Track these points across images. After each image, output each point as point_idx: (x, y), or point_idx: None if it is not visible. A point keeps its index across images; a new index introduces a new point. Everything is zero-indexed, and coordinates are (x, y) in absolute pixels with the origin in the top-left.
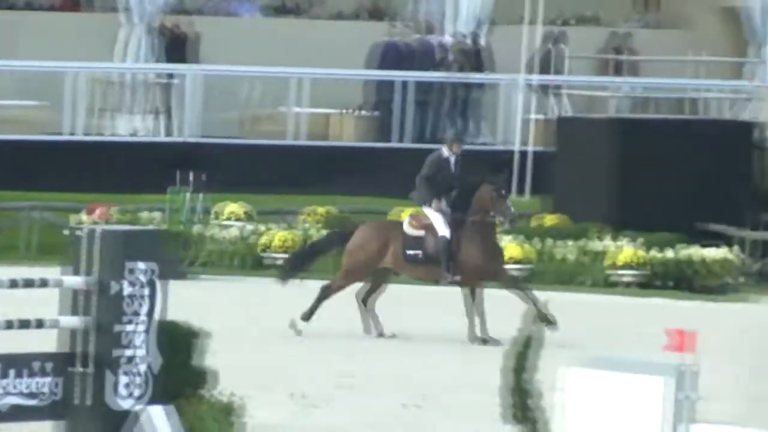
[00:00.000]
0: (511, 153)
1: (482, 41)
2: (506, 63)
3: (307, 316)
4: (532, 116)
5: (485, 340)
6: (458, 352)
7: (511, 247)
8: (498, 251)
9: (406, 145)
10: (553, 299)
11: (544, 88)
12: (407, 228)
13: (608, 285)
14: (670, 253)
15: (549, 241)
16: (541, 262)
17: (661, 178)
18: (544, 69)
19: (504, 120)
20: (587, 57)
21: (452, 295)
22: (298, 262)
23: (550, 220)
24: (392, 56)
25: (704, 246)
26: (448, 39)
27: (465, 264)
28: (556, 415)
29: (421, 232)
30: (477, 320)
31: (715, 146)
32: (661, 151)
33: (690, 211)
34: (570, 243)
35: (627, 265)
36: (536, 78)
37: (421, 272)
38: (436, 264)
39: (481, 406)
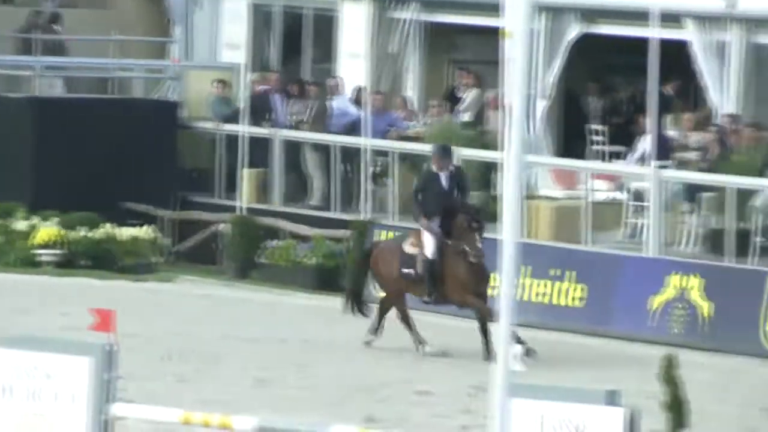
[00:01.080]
0: None
1: None
2: None
3: (374, 330)
4: None
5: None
6: None
7: None
8: (483, 275)
9: None
10: None
11: None
12: (406, 246)
13: (33, 265)
14: (89, 233)
15: None
16: None
17: (83, 158)
18: None
19: None
20: (9, 35)
21: None
22: (357, 298)
23: None
24: None
25: (126, 225)
26: None
27: (448, 284)
28: None
29: (415, 251)
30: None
31: (140, 126)
32: (83, 132)
33: (114, 191)
34: None
35: (46, 245)
36: None
37: (416, 290)
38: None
39: None
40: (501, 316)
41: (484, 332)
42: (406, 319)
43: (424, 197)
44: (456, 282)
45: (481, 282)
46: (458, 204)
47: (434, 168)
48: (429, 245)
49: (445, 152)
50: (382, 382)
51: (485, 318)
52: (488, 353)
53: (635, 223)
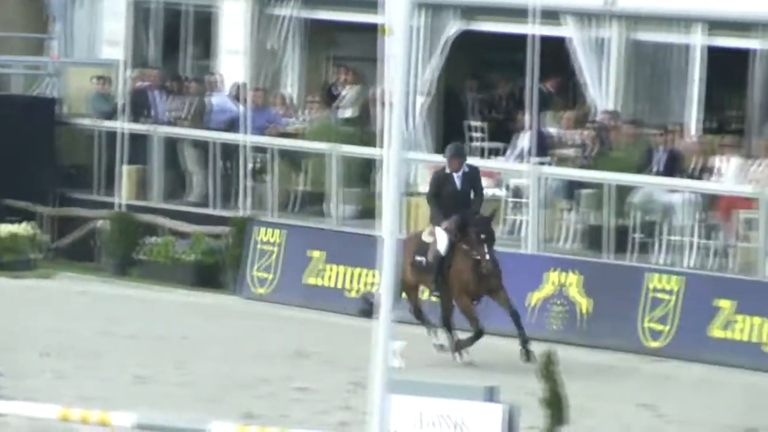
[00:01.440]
0: None
1: None
2: None
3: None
4: None
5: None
6: None
7: None
8: (494, 271)
9: None
10: None
11: None
12: (424, 234)
13: None
14: None
15: None
16: None
17: None
18: None
19: None
20: None
21: None
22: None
23: None
24: None
25: (4, 222)
26: None
27: (453, 284)
28: None
29: (431, 240)
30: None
31: (18, 122)
32: None
33: None
34: None
35: None
36: None
37: (424, 280)
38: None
39: None
40: (381, 312)
41: (471, 340)
42: (418, 313)
43: (439, 199)
44: (460, 284)
45: (486, 279)
46: (469, 217)
47: (448, 169)
48: (442, 241)
49: (458, 152)
50: (261, 379)
51: (509, 308)
52: (526, 355)
53: (514, 220)
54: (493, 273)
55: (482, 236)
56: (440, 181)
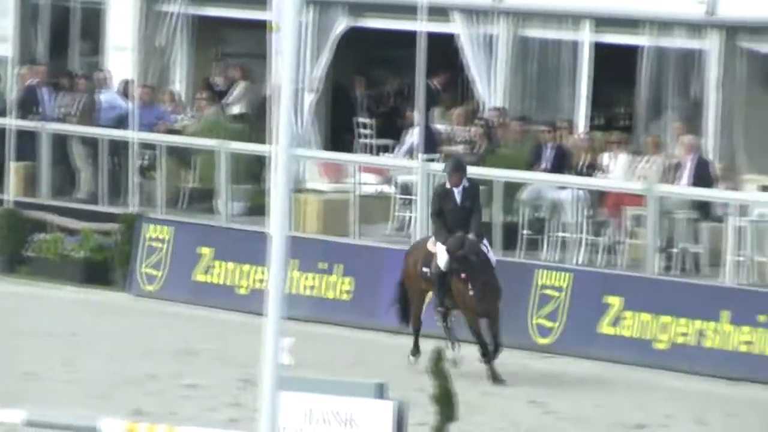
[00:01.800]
0: None
1: None
2: None
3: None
4: None
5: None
6: None
7: None
8: (492, 292)
9: None
10: None
11: None
12: (429, 245)
13: None
14: None
15: None
16: None
17: None
18: None
19: None
20: None
21: None
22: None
23: None
24: None
25: None
26: None
27: (455, 298)
28: None
29: (434, 250)
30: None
31: None
32: None
33: None
34: None
35: None
36: None
37: (431, 289)
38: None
39: None
40: (270, 309)
41: (485, 354)
42: (415, 322)
43: (441, 216)
44: (462, 303)
45: (487, 301)
46: (463, 241)
47: (448, 184)
48: (442, 257)
49: (458, 167)
50: (150, 376)
51: (495, 332)
52: (493, 376)
53: (403, 217)
54: (488, 298)
55: (470, 263)
56: (441, 197)
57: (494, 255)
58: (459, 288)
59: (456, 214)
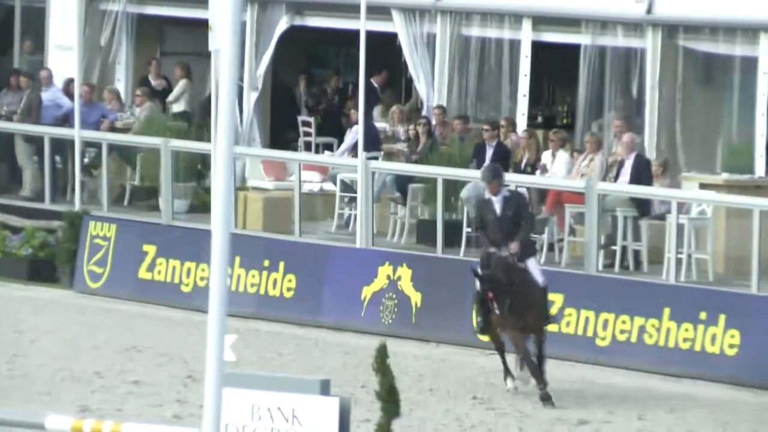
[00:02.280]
0: None
1: None
2: None
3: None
4: None
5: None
6: None
7: None
8: (524, 310)
9: None
10: None
11: None
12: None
13: None
14: None
15: None
16: None
17: None
18: None
19: None
20: None
21: None
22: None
23: None
24: None
25: None
26: None
27: (498, 318)
28: None
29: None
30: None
31: None
32: None
33: None
34: None
35: None
36: None
37: None
38: None
39: None
40: (212, 306)
41: (532, 363)
42: (495, 340)
43: (484, 228)
44: (494, 318)
45: (520, 318)
46: (488, 261)
47: (487, 194)
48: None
49: (495, 175)
50: (95, 373)
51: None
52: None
53: (347, 215)
54: (521, 316)
55: (496, 282)
56: (480, 208)
57: (539, 270)
58: (490, 308)
59: (497, 225)
